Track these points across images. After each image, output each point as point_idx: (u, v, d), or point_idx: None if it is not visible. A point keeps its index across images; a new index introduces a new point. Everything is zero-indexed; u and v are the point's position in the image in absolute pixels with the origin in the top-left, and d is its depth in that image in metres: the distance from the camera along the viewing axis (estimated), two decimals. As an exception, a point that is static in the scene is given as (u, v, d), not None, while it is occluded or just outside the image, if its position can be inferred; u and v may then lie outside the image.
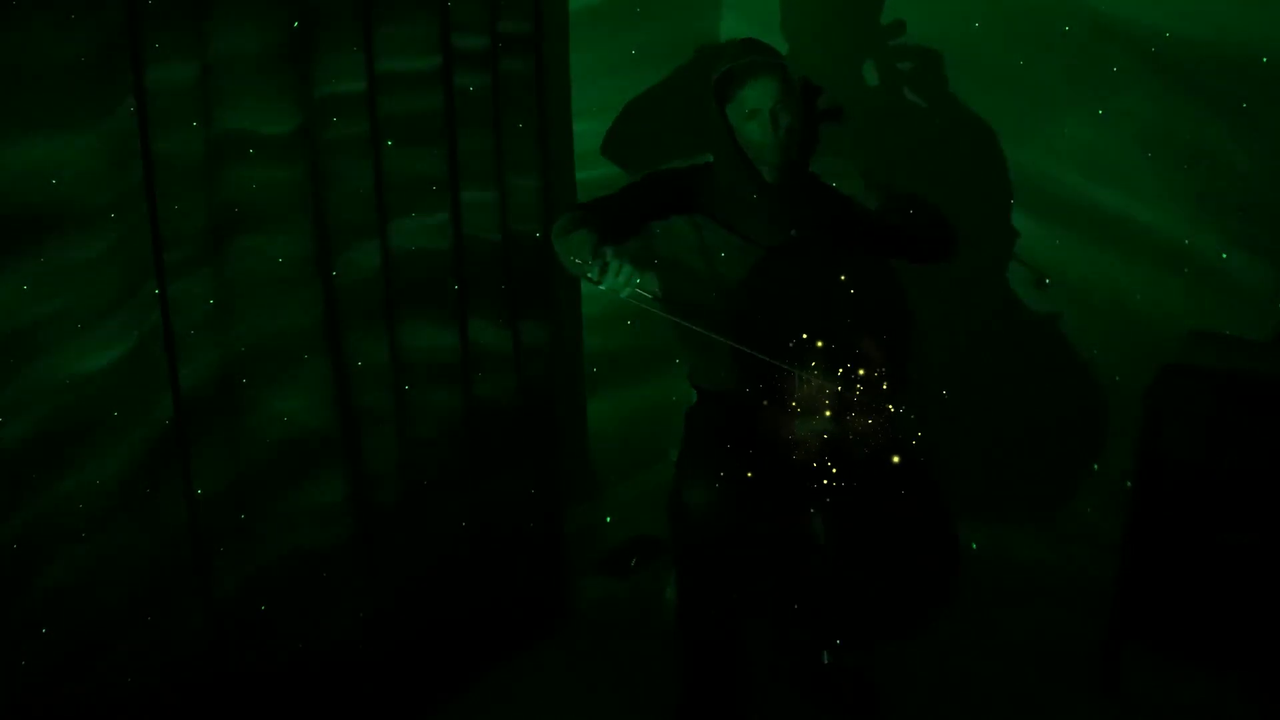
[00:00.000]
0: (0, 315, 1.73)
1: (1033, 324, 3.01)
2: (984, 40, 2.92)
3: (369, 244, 2.25)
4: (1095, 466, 2.98)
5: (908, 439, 2.44)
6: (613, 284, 2.13)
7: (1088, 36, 2.76)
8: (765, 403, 2.35)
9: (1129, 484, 2.54)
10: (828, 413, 2.32)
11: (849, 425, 2.33)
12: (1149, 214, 2.77)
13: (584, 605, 2.93)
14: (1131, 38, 2.70)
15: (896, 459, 2.32)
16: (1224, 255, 2.69)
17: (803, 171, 2.48)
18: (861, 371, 2.32)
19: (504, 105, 2.48)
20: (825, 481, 2.30)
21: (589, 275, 2.15)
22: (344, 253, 2.22)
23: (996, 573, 3.01)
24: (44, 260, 1.76)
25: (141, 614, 2.00)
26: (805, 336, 2.29)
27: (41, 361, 1.79)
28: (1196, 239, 2.72)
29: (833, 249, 2.37)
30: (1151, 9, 2.66)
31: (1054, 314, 2.97)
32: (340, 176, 2.18)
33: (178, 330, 1.97)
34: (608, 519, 3.30)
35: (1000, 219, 3.00)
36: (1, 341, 1.74)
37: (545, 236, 2.61)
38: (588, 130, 2.98)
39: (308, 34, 2.06)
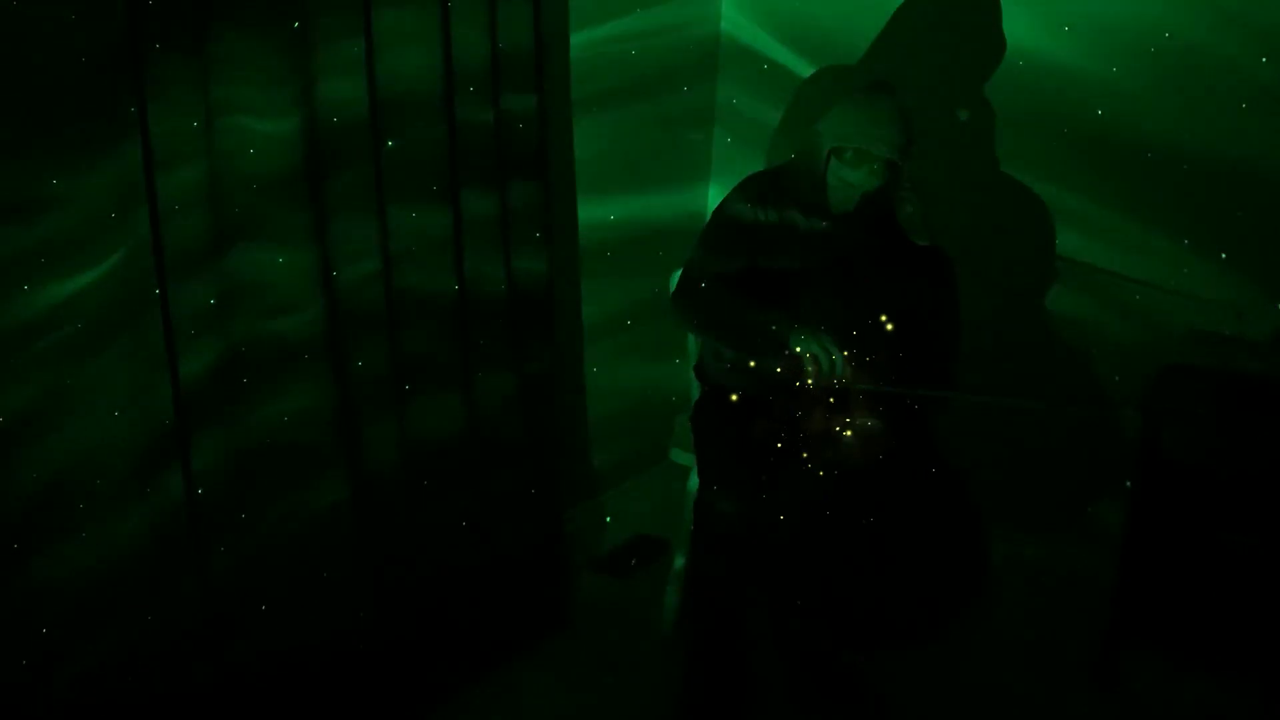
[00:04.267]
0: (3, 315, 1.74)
1: (1032, 324, 3.01)
2: (985, 39, 2.92)
3: (367, 241, 2.25)
4: (1096, 468, 2.98)
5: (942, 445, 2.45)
6: (830, 380, 2.23)
7: (1087, 37, 2.76)
8: (794, 407, 2.35)
9: (1129, 484, 2.55)
10: (869, 417, 2.33)
11: (887, 429, 2.34)
12: (1149, 214, 2.78)
13: (584, 605, 2.93)
14: (1130, 38, 2.70)
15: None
16: (1224, 255, 2.69)
17: (875, 201, 2.47)
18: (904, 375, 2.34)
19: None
20: (864, 485, 2.30)
21: (807, 379, 2.24)
22: (344, 252, 2.22)
23: (997, 573, 3.01)
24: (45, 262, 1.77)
25: (141, 613, 2.00)
26: (862, 348, 2.32)
27: (42, 358, 1.79)
28: (1196, 239, 2.72)
29: (887, 266, 2.43)
30: (1151, 9, 2.66)
31: (1054, 314, 2.97)
32: (340, 180, 2.19)
33: (178, 330, 1.97)
34: (608, 519, 3.31)
35: (1000, 219, 3.00)
36: (2, 339, 1.74)
37: (545, 237, 2.61)
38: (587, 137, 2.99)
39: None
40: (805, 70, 3.22)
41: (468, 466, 2.55)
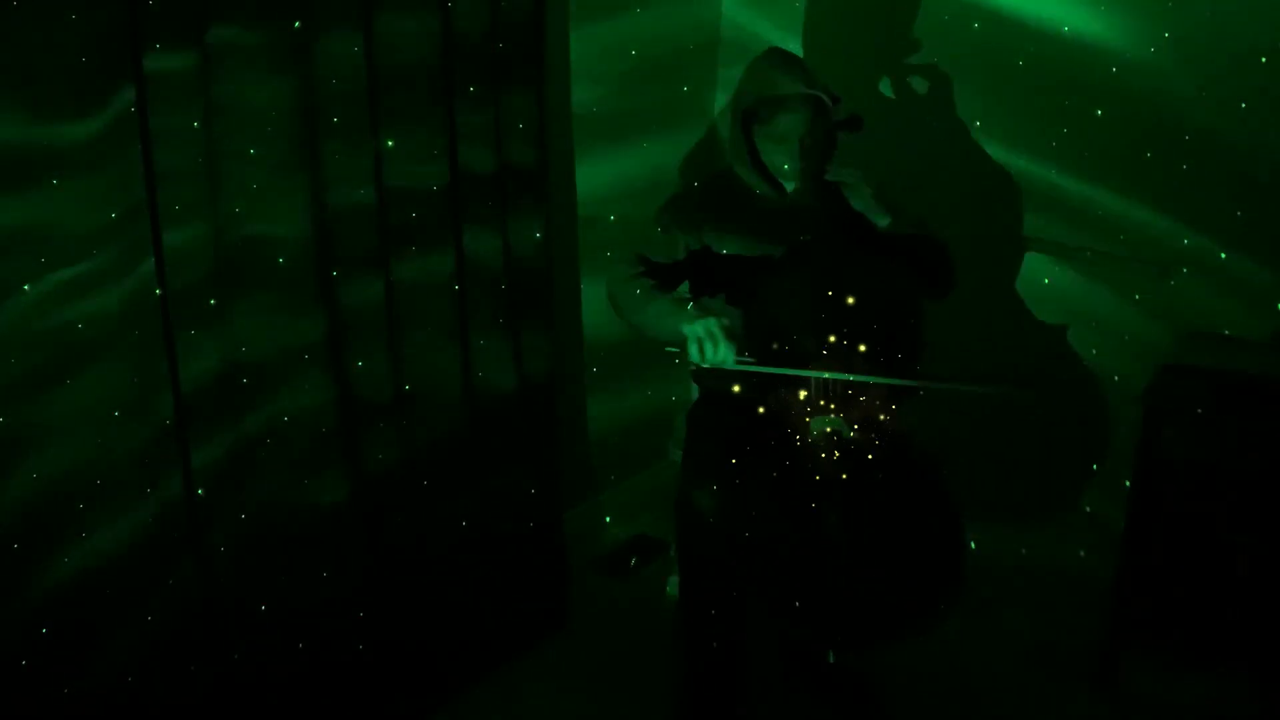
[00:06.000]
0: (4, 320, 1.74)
1: (1033, 324, 3.01)
2: (984, 40, 2.92)
3: (369, 246, 2.26)
4: (1095, 466, 2.98)
5: (916, 437, 2.45)
6: (714, 360, 2.23)
7: (1087, 37, 2.76)
8: (773, 404, 2.35)
9: (1128, 484, 2.55)
10: (837, 412, 2.33)
11: (859, 424, 2.34)
12: (1148, 214, 2.78)
13: (584, 605, 2.93)
14: (1130, 38, 2.70)
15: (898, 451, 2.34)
16: (1223, 255, 2.69)
17: (820, 179, 2.49)
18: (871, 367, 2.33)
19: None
20: (834, 481, 2.30)
21: (691, 359, 2.25)
22: (345, 251, 2.22)
23: (997, 572, 3.02)
24: (45, 261, 1.77)
25: (142, 613, 2.00)
26: (823, 334, 2.31)
27: (42, 358, 1.80)
28: (1195, 239, 2.72)
29: (844, 250, 2.41)
30: (1151, 9, 2.66)
31: (1054, 314, 2.98)
32: (340, 182, 2.19)
33: (178, 329, 1.97)
34: (608, 519, 3.31)
35: (1000, 220, 3.01)
36: (3, 340, 1.75)
37: (545, 237, 2.61)
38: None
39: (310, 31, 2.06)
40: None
41: (468, 466, 2.55)
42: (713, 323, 2.24)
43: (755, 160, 2.45)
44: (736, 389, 2.39)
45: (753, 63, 2.47)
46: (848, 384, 2.33)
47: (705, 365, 2.25)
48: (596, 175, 3.07)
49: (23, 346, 1.76)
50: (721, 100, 3.40)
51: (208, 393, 2.05)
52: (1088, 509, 3.01)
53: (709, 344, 2.23)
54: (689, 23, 3.25)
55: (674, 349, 2.34)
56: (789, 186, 2.46)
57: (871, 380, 2.31)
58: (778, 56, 2.46)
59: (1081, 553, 3.02)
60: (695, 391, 2.74)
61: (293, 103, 2.04)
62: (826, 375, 2.30)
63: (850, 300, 2.33)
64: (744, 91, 2.44)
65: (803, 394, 2.34)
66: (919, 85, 3.06)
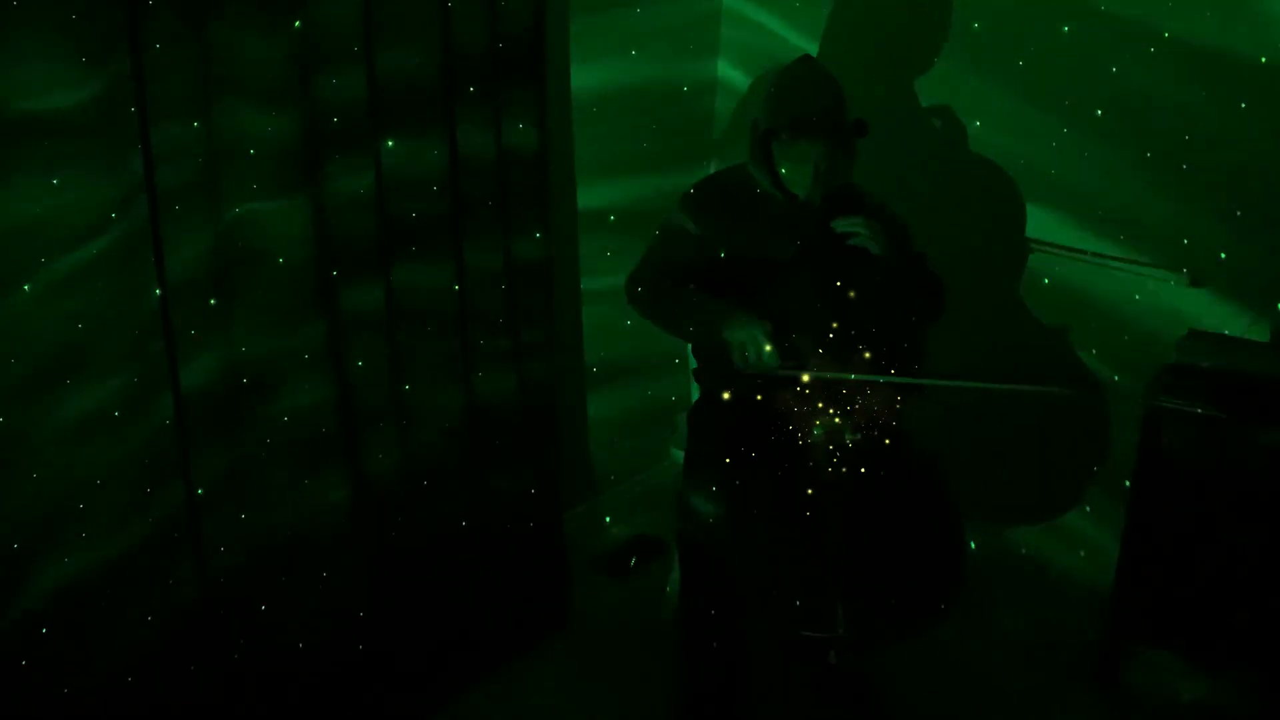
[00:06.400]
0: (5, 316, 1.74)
1: (1033, 324, 3.01)
2: (984, 40, 2.92)
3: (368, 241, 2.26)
4: (1095, 467, 2.98)
5: (916, 437, 2.45)
6: (759, 366, 2.27)
7: (1087, 37, 2.76)
8: (775, 405, 2.36)
9: (1128, 484, 2.55)
10: (840, 413, 2.33)
11: (861, 425, 2.34)
12: (1148, 214, 2.78)
13: (584, 605, 2.93)
14: (1130, 38, 2.70)
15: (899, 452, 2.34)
16: (1223, 255, 2.69)
17: (828, 187, 2.52)
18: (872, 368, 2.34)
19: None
20: (835, 481, 2.30)
21: (735, 364, 2.29)
22: (345, 251, 2.22)
23: (996, 572, 3.02)
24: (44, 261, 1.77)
25: (142, 613, 2.00)
26: (824, 334, 2.33)
27: (41, 364, 1.79)
28: (1195, 239, 2.72)
29: (846, 253, 2.42)
30: (1150, 9, 2.66)
31: (1054, 314, 2.98)
32: (340, 182, 2.19)
33: (178, 330, 1.97)
34: (608, 519, 3.31)
35: (1000, 220, 3.01)
36: (2, 340, 1.74)
37: (545, 237, 2.61)
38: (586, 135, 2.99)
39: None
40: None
41: (468, 467, 2.55)
42: (756, 329, 2.27)
43: (772, 171, 2.48)
44: (726, 396, 2.40)
45: (782, 73, 2.48)
46: (848, 385, 2.33)
47: (750, 370, 2.27)
48: (597, 175, 3.07)
49: (22, 346, 1.76)
50: (722, 98, 3.40)
51: (207, 393, 2.05)
52: (1088, 509, 3.01)
53: (752, 349, 2.26)
54: (689, 20, 3.25)
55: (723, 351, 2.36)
56: (800, 195, 2.49)
57: (911, 381, 2.33)
58: (806, 73, 2.46)
59: (1081, 553, 3.02)
60: (696, 391, 2.75)
61: (293, 103, 2.04)
62: (862, 378, 2.31)
63: (851, 294, 2.34)
64: (769, 103, 2.44)
65: (806, 395, 2.34)
66: (919, 85, 3.06)
